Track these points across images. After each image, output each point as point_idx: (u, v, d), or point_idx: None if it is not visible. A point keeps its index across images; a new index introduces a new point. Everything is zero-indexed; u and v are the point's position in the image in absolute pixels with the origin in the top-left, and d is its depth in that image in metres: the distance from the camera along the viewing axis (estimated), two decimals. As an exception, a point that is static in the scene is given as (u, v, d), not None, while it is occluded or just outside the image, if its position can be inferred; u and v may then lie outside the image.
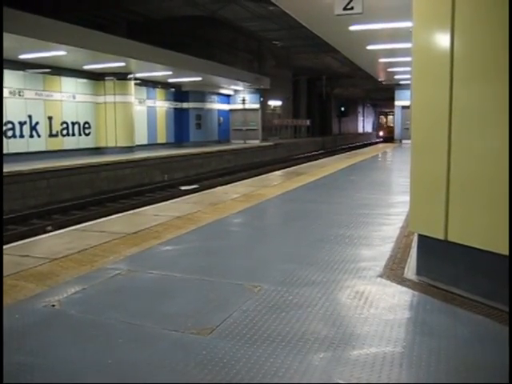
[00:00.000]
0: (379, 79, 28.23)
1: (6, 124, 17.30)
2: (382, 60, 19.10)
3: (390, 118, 45.06)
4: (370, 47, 16.03)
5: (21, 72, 17.75)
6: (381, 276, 3.85)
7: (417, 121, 3.78)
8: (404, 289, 3.57)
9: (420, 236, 3.85)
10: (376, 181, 11.53)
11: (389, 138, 38.69)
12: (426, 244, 3.74)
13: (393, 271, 3.97)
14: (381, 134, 46.72)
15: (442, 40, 3.45)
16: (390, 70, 21.91)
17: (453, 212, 3.41)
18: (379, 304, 3.26)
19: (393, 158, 20.05)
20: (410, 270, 3.95)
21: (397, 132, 30.89)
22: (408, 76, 22.68)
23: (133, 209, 8.09)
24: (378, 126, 50.71)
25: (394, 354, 2.55)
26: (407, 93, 26.44)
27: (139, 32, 20.21)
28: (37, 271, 3.96)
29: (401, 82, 27.13)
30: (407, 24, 11.00)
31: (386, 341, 2.71)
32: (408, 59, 16.02)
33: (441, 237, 3.50)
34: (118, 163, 18.19)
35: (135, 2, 20.83)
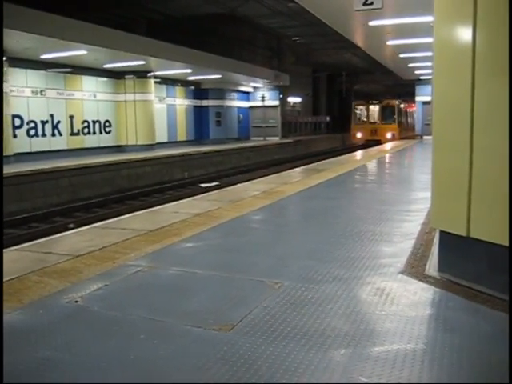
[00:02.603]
0: (400, 75, 28.00)
1: (28, 123, 17.54)
2: (402, 55, 18.92)
3: (373, 108, 31.34)
4: (390, 42, 15.90)
5: (42, 72, 17.96)
6: (402, 273, 3.82)
7: (438, 116, 3.75)
8: (425, 285, 3.55)
9: (442, 232, 3.82)
10: (397, 177, 11.45)
11: (374, 142, 27.88)
12: (448, 240, 3.71)
13: (414, 268, 3.94)
14: (358, 135, 31.19)
15: (464, 34, 3.41)
16: (410, 65, 21.70)
17: (475, 208, 3.37)
18: (400, 301, 3.24)
19: (413, 154, 19.87)
20: (432, 267, 3.92)
21: (418, 127, 30.69)
22: (429, 71, 22.45)
23: (153, 206, 8.15)
24: (354, 123, 32.28)
25: (415, 351, 2.54)
26: (428, 88, 26.18)
27: (159, 30, 20.30)
28: (60, 268, 4.01)
29: (422, 78, 26.83)
30: (428, 18, 10.89)
31: (407, 338, 2.69)
32: (429, 54, 15.91)
33: (463, 233, 3.46)
34: (138, 161, 18.32)
35: (155, 1, 20.93)
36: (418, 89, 29.06)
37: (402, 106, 33.35)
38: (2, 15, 6.60)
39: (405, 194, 8.34)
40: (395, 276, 3.75)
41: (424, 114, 28.69)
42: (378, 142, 27.76)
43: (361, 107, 32.51)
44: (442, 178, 3.73)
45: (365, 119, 31.89)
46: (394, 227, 5.55)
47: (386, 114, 31.07)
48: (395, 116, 30.64)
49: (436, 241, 4.30)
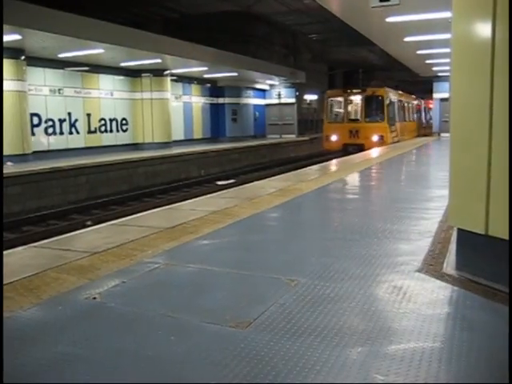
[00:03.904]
0: (417, 72, 27.79)
1: (46, 121, 17.72)
2: (419, 52, 18.79)
3: (353, 100, 23.23)
4: (407, 39, 15.80)
5: (60, 70, 18.14)
6: (419, 271, 3.80)
7: (456, 114, 3.71)
8: (443, 284, 3.52)
9: (459, 230, 3.79)
10: (414, 175, 11.37)
11: (354, 147, 20.97)
12: (466, 238, 3.68)
13: (431, 266, 3.91)
14: (333, 139, 22.85)
15: (483, 30, 3.38)
16: (427, 61, 21.53)
17: (493, 206, 3.34)
18: (418, 299, 3.23)
19: (430, 151, 19.72)
20: (450, 265, 3.89)
21: (435, 124, 30.26)
22: (447, 68, 22.25)
23: (170, 204, 8.19)
24: (326, 121, 23.89)
25: (432, 350, 2.52)
26: (446, 85, 25.94)
27: (175, 28, 20.39)
28: (78, 265, 4.05)
29: (439, 74, 26.60)
30: (445, 14, 10.81)
31: (424, 336, 2.68)
32: (447, 50, 15.77)
33: (481, 231, 3.43)
34: (154, 159, 18.42)
35: (171, -1, 21.02)
36: (436, 85, 28.73)
37: (396, 96, 25.13)
38: (1, 15, 6.63)
39: (421, 191, 8.28)
40: (412, 274, 3.73)
41: (441, 110, 28.39)
42: (360, 148, 20.18)
43: (336, 99, 23.88)
44: (459, 175, 3.70)
45: (342, 116, 23.57)
46: (411, 225, 5.52)
47: (372, 107, 22.63)
48: (384, 110, 22.12)
49: (454, 239, 4.26)
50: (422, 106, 34.06)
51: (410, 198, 7.37)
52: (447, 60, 19.04)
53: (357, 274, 3.74)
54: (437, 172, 11.22)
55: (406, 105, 27.90)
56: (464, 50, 3.63)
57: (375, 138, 21.76)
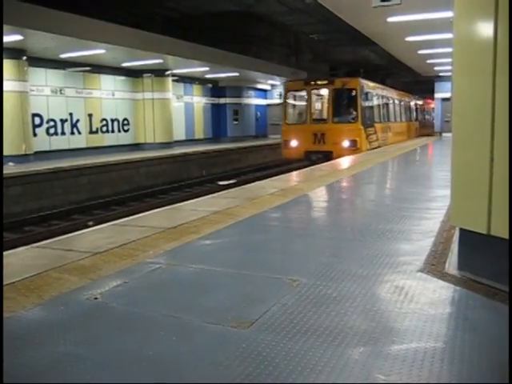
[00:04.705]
0: (419, 71, 27.77)
1: (48, 122, 17.74)
2: (421, 51, 18.79)
3: (319, 94, 19.13)
4: (408, 38, 15.81)
5: (61, 71, 18.17)
6: (421, 271, 3.80)
7: (458, 113, 3.71)
8: (445, 284, 3.52)
9: (462, 230, 3.78)
10: (415, 175, 11.36)
11: (319, 155, 16.96)
12: (468, 238, 3.67)
13: (433, 266, 3.91)
14: (293, 144, 18.29)
15: (485, 30, 3.37)
16: (429, 61, 21.53)
17: (496, 205, 3.33)
18: (420, 299, 3.22)
19: (431, 151, 19.71)
20: (452, 265, 3.89)
21: (437, 124, 30.20)
22: (448, 67, 22.25)
23: (171, 204, 8.19)
24: (285, 122, 19.19)
25: (435, 350, 2.52)
26: (447, 85, 25.92)
27: (175, 28, 20.35)
28: (80, 265, 4.05)
29: (441, 74, 26.60)
30: (447, 14, 10.80)
31: (426, 336, 2.67)
32: (448, 50, 15.76)
33: (483, 231, 3.43)
34: (156, 159, 18.44)
35: (172, -1, 21.00)
36: (437, 85, 28.72)
37: (376, 90, 20.56)
38: (1, 15, 6.63)
39: (424, 191, 8.27)
40: (414, 274, 3.73)
41: (443, 110, 28.36)
42: (327, 157, 16.26)
43: (297, 93, 19.33)
44: (461, 175, 3.69)
45: (304, 115, 18.60)
46: (413, 225, 5.52)
47: (342, 104, 18.23)
48: (358, 108, 17.56)
49: (456, 239, 4.26)
50: (417, 104, 31.38)
51: (412, 198, 7.36)
52: (449, 60, 19.04)
53: (359, 273, 3.73)
54: (438, 172, 11.21)
55: (393, 102, 23.89)
56: (466, 50, 3.62)
57: (346, 143, 17.18)
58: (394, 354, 2.47)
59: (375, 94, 20.25)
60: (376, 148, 18.65)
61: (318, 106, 19.42)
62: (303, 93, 18.66)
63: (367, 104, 18.76)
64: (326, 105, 18.70)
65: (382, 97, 21.56)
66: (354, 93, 17.78)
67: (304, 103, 18.76)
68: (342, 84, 17.94)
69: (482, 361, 2.44)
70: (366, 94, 18.59)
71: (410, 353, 2.48)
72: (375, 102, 20.29)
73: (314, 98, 18.76)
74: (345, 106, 18.28)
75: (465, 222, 3.70)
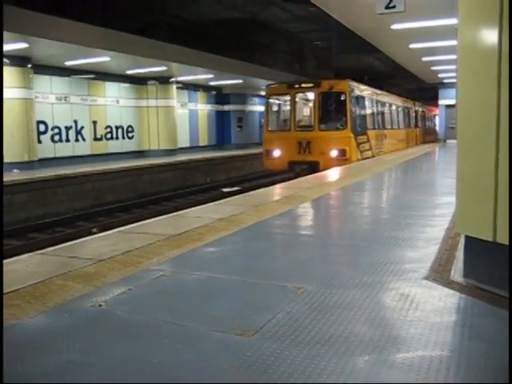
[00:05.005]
0: (422, 78, 27.79)
1: (52, 129, 17.81)
2: (425, 58, 18.82)
3: (304, 98, 17.58)
4: (412, 46, 15.83)
5: (66, 78, 18.26)
6: (426, 278, 3.78)
7: (463, 120, 3.70)
8: (451, 291, 3.50)
9: (467, 237, 3.76)
10: (419, 182, 11.34)
11: (304, 167, 15.70)
12: (474, 245, 3.65)
13: (439, 273, 3.89)
14: (275, 154, 16.74)
15: (490, 36, 3.37)
16: (433, 68, 21.56)
17: (501, 212, 3.32)
18: (425, 307, 3.20)
19: (434, 158, 19.68)
20: (457, 273, 3.87)
21: (441, 131, 30.16)
22: (452, 74, 22.27)
23: (175, 211, 8.19)
24: (266, 129, 17.76)
25: (441, 358, 2.50)
26: (451, 91, 25.93)
27: (180, 36, 20.46)
28: (84, 272, 4.05)
29: (445, 81, 26.61)
30: (451, 21, 10.81)
31: (432, 344, 2.66)
32: (452, 57, 15.80)
33: (489, 238, 3.41)
34: (160, 166, 18.47)
35: (176, 7, 21.11)
36: (441, 92, 28.73)
37: (369, 94, 19.06)
38: (1, 17, 6.64)
39: (429, 198, 8.25)
40: (419, 282, 3.71)
41: (447, 117, 28.34)
42: (313, 168, 14.93)
43: (280, 97, 17.75)
44: (467, 181, 3.68)
45: (288, 122, 17.02)
46: (417, 232, 5.50)
47: (330, 109, 16.63)
48: (347, 113, 15.93)
49: (461, 246, 4.24)
50: (418, 110, 30.25)
51: (417, 205, 7.34)
52: (452, 66, 19.08)
53: (363, 281, 3.72)
54: (442, 179, 11.19)
55: (389, 107, 22.30)
56: (470, 57, 3.62)
57: (334, 152, 15.60)
58: (399, 363, 2.45)
59: (368, 98, 18.74)
60: (370, 157, 17.22)
61: (302, 111, 17.83)
62: (287, 97, 17.14)
63: (358, 109, 17.12)
64: (311, 110, 16.94)
65: (377, 101, 20.12)
66: (342, 97, 16.13)
67: (288, 108, 17.21)
68: (330, 87, 16.22)
69: (488, 369, 2.42)
70: (357, 97, 17.00)
71: (415, 361, 2.46)
72: (368, 106, 18.72)
73: (298, 102, 17.22)
74: (333, 111, 16.71)
75: (470, 229, 3.68)
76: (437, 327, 2.88)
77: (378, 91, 20.72)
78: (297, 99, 16.93)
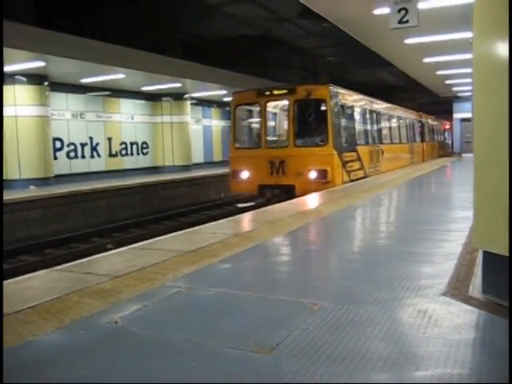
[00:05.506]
0: (436, 92, 27.72)
1: (68, 145, 18.00)
2: (439, 72, 18.77)
3: (276, 107, 14.90)
4: (426, 60, 15.81)
5: (82, 95, 18.48)
6: (444, 294, 3.73)
7: (479, 133, 3.67)
8: (469, 307, 3.45)
9: (485, 252, 3.71)
10: (435, 197, 11.26)
11: (277, 191, 13.07)
12: (492, 261, 3.60)
13: (457, 289, 3.84)
14: (243, 176, 13.65)
15: (505, 50, 3.35)
16: (447, 82, 21.52)
17: (520, 227, 3.27)
18: (443, 323, 3.16)
19: (449, 173, 19.55)
20: (475, 288, 3.81)
21: (456, 145, 29.91)
22: (467, 88, 22.19)
23: (190, 227, 8.19)
24: (233, 146, 14.42)
25: (461, 376, 2.46)
26: (466, 105, 25.82)
27: (194, 52, 20.65)
28: (100, 288, 4.06)
29: (459, 95, 26.52)
30: (465, 35, 10.81)
31: (452, 362, 2.61)
32: (466, 71, 15.73)
33: (506, 253, 3.36)
34: (174, 182, 18.53)
35: (190, 24, 21.32)
36: (456, 106, 28.64)
37: (358, 101, 16.03)
38: (1, 19, 6.70)
39: (445, 213, 8.18)
40: (437, 298, 3.66)
41: (462, 131, 28.16)
42: (288, 193, 12.42)
43: (248, 107, 15.02)
44: (484, 196, 3.64)
45: (257, 137, 14.28)
46: (434, 247, 5.44)
47: (307, 120, 13.84)
48: (329, 125, 12.99)
49: (479, 261, 4.19)
50: (428, 123, 27.85)
51: (434, 220, 7.27)
52: (467, 80, 19.01)
53: (380, 297, 3.68)
54: (458, 193, 11.10)
55: (388, 119, 19.44)
56: (486, 70, 3.60)
57: (312, 174, 12.74)
58: (418, 380, 2.41)
59: (358, 107, 15.89)
60: (361, 178, 14.65)
61: (275, 124, 15.18)
62: (256, 107, 14.23)
63: (344, 120, 14.11)
64: (285, 122, 14.04)
65: (371, 112, 17.09)
66: (323, 105, 13.20)
67: (257, 120, 14.34)
68: (307, 93, 13.14)
69: (510, 388, 2.37)
70: (343, 106, 14.01)
71: (435, 379, 2.42)
72: (358, 117, 15.88)
73: (270, 113, 14.48)
74: (311, 123, 13.78)
75: (488, 244, 3.64)
76: (456, 344, 2.83)
77: (372, 99, 17.71)
78: (268, 109, 14.05)
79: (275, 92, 13.75)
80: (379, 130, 17.76)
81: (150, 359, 2.76)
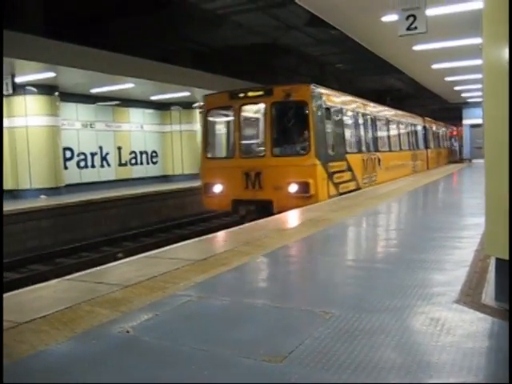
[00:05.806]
0: (446, 98, 27.64)
1: (78, 155, 18.11)
2: (448, 78, 18.73)
3: (251, 111, 12.79)
4: (435, 66, 15.77)
5: (92, 105, 18.60)
6: (457, 302, 3.69)
7: (490, 139, 3.65)
8: (482, 315, 3.41)
9: (497, 259, 3.68)
10: (445, 204, 11.20)
11: (253, 208, 11.55)
12: (505, 268, 3.57)
13: (469, 297, 3.80)
14: (216, 190, 12.12)
15: (515, 56, 3.33)
16: (456, 88, 21.44)
17: (533, 234, 3.24)
18: (456, 331, 3.13)
19: (457, 180, 19.44)
20: (488, 296, 3.78)
21: (466, 151, 29.72)
22: (476, 94, 22.12)
23: (200, 235, 8.20)
24: (205, 157, 12.96)
25: (475, 385, 2.43)
26: (476, 111, 25.71)
27: (203, 61, 20.74)
28: (111, 297, 4.06)
29: (469, 100, 26.42)
30: (474, 40, 10.79)
31: (466, 370, 2.58)
32: (476, 76, 15.68)
33: (521, 260, 3.33)
34: (184, 191, 18.56)
35: (199, 33, 21.43)
36: (465, 112, 28.52)
37: (345, 104, 14.05)
38: (2, 23, 6.71)
39: (455, 220, 8.13)
40: (450, 305, 3.63)
41: (472, 136, 28.03)
42: (266, 209, 11.06)
43: (221, 112, 13.59)
44: (495, 202, 3.61)
45: (230, 146, 13.15)
46: (445, 254, 5.40)
47: (287, 125, 12.24)
48: (311, 131, 11.42)
49: (491, 268, 4.15)
50: (432, 129, 26.43)
51: (444, 227, 7.23)
52: (477, 86, 18.96)
53: (392, 305, 3.65)
54: (469, 200, 11.03)
55: (385, 124, 17.76)
56: (496, 76, 3.58)
57: (292, 187, 11.26)
58: (432, 390, 2.39)
59: (347, 110, 14.07)
60: (353, 191, 13.05)
61: (250, 130, 13.26)
62: (229, 111, 12.78)
63: (330, 125, 12.42)
64: (261, 128, 12.44)
65: (364, 115, 15.41)
66: (304, 108, 11.51)
67: (230, 127, 12.96)
68: (286, 94, 11.50)
69: (525, 397, 2.34)
70: (328, 109, 12.33)
71: (449, 388, 2.40)
72: (348, 122, 14.12)
73: (244, 118, 12.72)
74: (291, 128, 12.17)
75: (500, 250, 3.60)
76: (470, 352, 2.80)
77: (364, 101, 16.00)
78: (242, 113, 12.45)
79: (250, 94, 12.16)
80: (375, 137, 16.12)
81: (161, 368, 2.75)
